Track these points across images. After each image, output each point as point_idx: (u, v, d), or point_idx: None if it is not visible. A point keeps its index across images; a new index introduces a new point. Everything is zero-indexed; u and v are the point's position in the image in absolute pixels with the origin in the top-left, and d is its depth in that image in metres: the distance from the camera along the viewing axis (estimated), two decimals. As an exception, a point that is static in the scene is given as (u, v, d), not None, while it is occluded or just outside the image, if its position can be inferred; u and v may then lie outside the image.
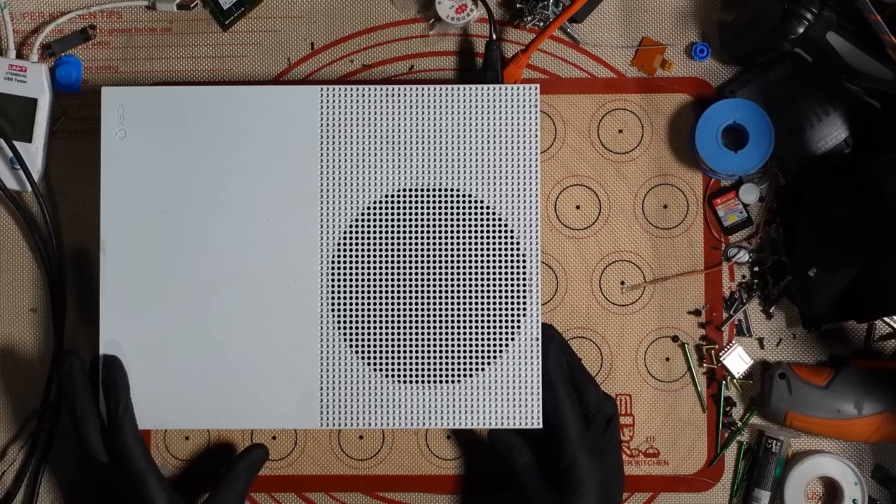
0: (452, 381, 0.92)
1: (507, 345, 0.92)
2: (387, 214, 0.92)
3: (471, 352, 0.92)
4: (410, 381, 0.92)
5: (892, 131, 0.94)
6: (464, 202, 0.92)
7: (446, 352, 0.92)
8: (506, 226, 0.92)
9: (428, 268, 0.92)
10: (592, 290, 1.00)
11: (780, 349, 1.00)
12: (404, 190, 0.92)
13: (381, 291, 0.92)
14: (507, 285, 0.92)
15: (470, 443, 1.00)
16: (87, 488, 0.99)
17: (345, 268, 0.92)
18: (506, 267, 0.92)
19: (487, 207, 0.92)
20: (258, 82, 1.00)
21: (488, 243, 0.92)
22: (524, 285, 0.92)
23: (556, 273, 1.00)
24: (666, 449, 0.99)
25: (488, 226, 0.92)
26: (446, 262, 0.92)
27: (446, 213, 0.92)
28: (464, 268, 0.92)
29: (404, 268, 0.92)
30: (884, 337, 0.99)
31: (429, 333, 0.92)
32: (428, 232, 0.92)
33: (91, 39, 1.00)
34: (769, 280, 0.99)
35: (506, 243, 0.92)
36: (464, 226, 0.92)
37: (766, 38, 0.94)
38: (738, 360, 0.99)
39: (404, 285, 0.92)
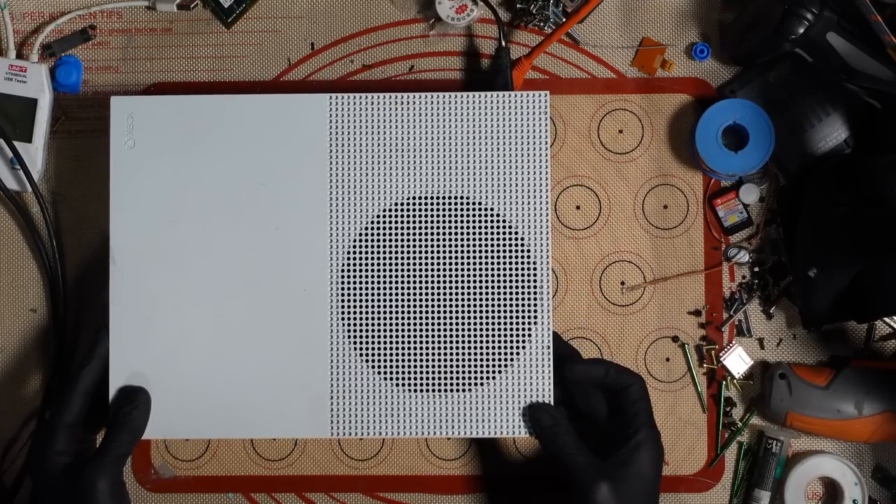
0: (463, 390, 0.91)
1: (518, 353, 0.91)
2: (397, 223, 0.91)
3: (482, 360, 0.91)
4: (421, 390, 0.91)
5: (892, 131, 0.94)
6: (474, 210, 0.91)
7: (457, 361, 0.91)
8: (516, 234, 0.91)
9: (438, 276, 0.91)
10: (592, 291, 1.00)
11: (780, 349, 1.00)
12: (414, 198, 0.91)
13: (391, 300, 0.91)
14: (517, 294, 0.91)
15: (470, 443, 1.00)
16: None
17: (355, 277, 0.91)
18: (516, 275, 0.91)
19: (497, 216, 0.91)
20: (258, 82, 1.00)
21: (499, 252, 0.91)
22: (535, 294, 0.91)
23: (557, 273, 1.00)
24: (666, 449, 0.99)
25: (498, 234, 0.91)
26: (456, 270, 0.91)
27: (456, 222, 0.91)
28: (474, 276, 0.91)
29: (414, 276, 0.91)
30: (884, 337, 0.99)
31: (439, 342, 0.91)
32: (438, 241, 0.91)
33: (91, 39, 1.00)
34: (769, 280, 0.99)
35: (516, 252, 0.91)
36: (474, 234, 0.91)
37: (767, 39, 0.94)
38: (738, 361, 0.99)
39: (414, 294, 0.91)
